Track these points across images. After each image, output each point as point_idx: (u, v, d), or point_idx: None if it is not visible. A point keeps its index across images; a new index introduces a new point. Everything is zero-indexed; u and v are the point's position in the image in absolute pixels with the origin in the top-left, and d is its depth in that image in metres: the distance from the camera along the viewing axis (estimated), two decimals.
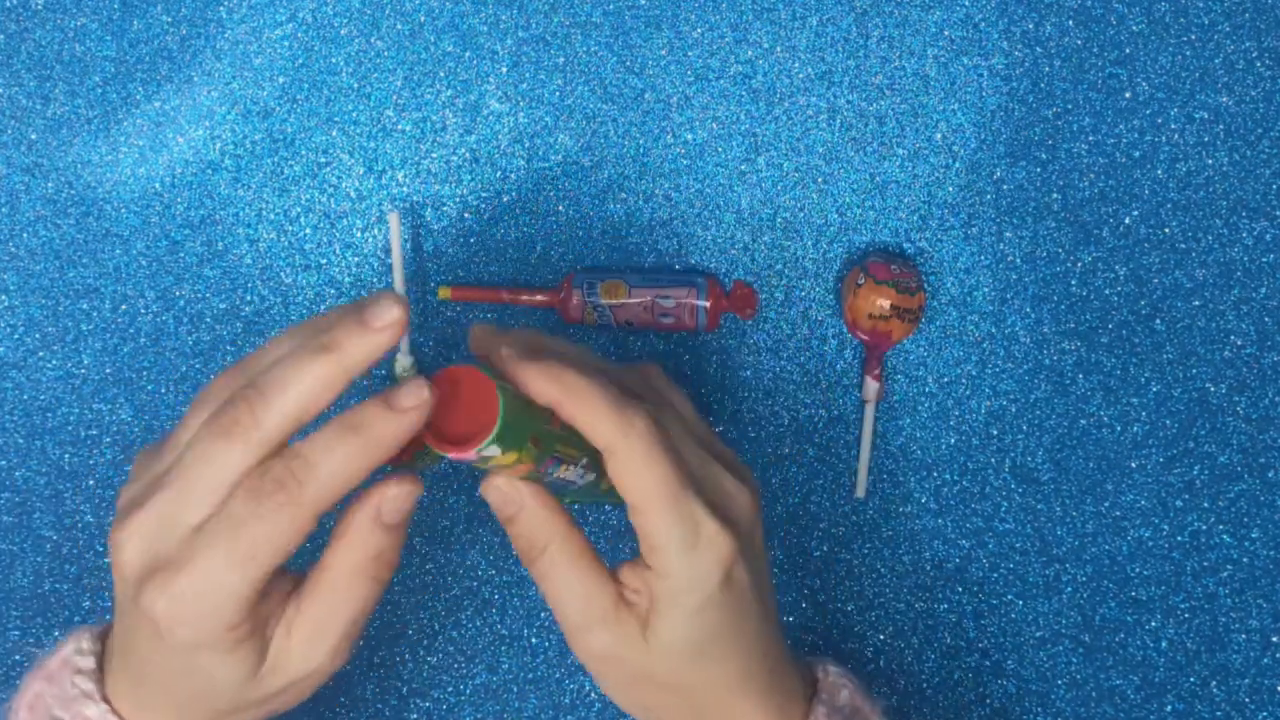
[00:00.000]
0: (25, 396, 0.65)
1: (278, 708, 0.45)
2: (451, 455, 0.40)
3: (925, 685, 0.67)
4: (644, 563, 0.45)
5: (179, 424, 0.43)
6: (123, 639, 0.44)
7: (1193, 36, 0.64)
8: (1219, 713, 0.66)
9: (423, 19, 0.64)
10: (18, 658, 0.66)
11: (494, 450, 0.41)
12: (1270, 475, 0.65)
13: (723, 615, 0.45)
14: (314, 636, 0.43)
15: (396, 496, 0.42)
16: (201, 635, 0.40)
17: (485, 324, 0.46)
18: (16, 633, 0.66)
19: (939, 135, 0.65)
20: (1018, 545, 0.66)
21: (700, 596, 0.44)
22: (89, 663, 0.46)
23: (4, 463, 0.65)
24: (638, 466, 0.42)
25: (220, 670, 0.42)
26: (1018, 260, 0.65)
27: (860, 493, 0.65)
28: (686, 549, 0.43)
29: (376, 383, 0.65)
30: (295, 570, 0.44)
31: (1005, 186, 0.65)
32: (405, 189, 0.65)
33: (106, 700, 0.45)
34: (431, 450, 0.41)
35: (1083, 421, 0.65)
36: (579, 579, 0.45)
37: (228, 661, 0.41)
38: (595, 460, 0.46)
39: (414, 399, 0.39)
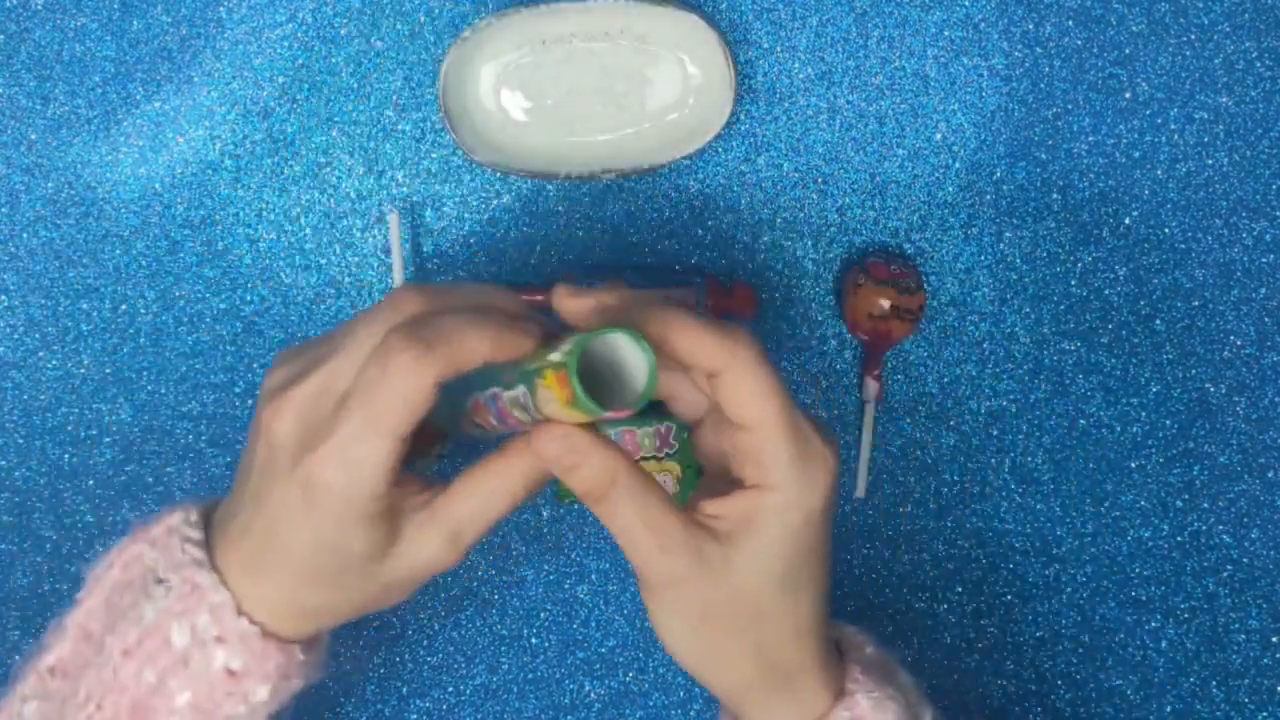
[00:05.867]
0: (25, 396, 0.65)
1: (386, 599, 0.47)
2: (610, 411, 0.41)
3: (926, 686, 0.67)
4: (739, 486, 0.45)
5: (342, 326, 0.46)
6: (258, 511, 0.45)
7: (1193, 36, 0.64)
8: (1219, 713, 0.66)
9: (423, 19, 0.64)
10: (18, 657, 0.66)
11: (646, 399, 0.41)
12: (1270, 475, 0.65)
13: (816, 538, 0.45)
14: (447, 528, 0.45)
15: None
16: (348, 502, 0.43)
17: (567, 288, 0.46)
18: (17, 633, 0.66)
19: (939, 135, 0.65)
20: (1018, 545, 0.66)
21: (804, 512, 0.44)
22: (198, 534, 0.47)
23: (3, 463, 0.65)
24: (750, 383, 0.43)
25: (356, 542, 0.44)
26: (1018, 260, 0.65)
27: (860, 493, 0.65)
28: (799, 462, 0.44)
29: None
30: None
31: (1005, 186, 0.65)
32: (405, 189, 0.65)
33: (217, 570, 0.46)
34: (431, 452, 0.41)
35: (1083, 421, 0.65)
36: (650, 505, 0.44)
37: (364, 533, 0.44)
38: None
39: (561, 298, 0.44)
